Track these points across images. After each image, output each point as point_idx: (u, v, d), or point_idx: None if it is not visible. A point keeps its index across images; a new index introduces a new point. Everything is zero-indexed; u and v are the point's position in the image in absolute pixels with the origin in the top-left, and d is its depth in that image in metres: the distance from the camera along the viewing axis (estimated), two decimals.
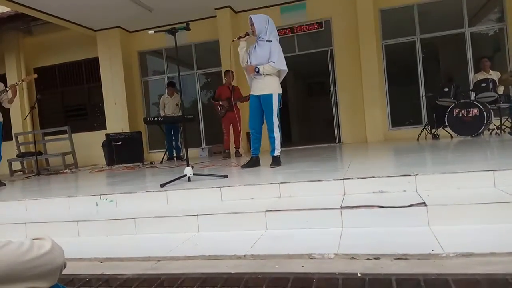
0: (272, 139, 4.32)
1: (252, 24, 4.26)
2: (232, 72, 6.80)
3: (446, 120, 6.47)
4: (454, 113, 6.39)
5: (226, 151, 7.27)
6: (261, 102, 4.32)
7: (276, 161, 4.33)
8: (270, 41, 4.21)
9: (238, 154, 7.20)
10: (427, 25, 7.85)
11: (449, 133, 6.78)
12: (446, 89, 6.67)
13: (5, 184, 5.42)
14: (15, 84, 5.47)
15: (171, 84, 8.16)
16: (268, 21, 4.29)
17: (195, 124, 9.04)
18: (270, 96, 4.24)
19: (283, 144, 4.35)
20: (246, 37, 4.34)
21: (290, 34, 8.46)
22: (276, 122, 4.26)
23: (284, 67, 4.25)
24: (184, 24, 3.80)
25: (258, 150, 4.52)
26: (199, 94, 9.44)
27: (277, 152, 4.34)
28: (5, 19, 9.32)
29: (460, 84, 7.06)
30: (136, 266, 2.10)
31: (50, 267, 0.90)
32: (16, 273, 0.84)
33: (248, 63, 4.33)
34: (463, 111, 6.34)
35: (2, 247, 0.83)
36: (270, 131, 4.31)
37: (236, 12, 8.68)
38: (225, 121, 7.17)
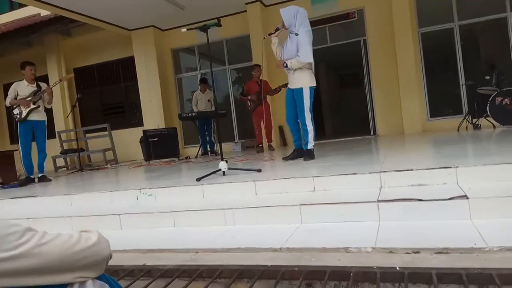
0: (305, 132, 4.34)
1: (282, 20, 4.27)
2: (259, 66, 6.81)
3: (488, 109, 6.20)
4: (497, 101, 6.11)
5: (260, 145, 7.26)
6: (294, 95, 4.35)
7: (309, 155, 4.33)
8: (298, 34, 4.20)
9: (271, 148, 7.18)
10: (465, 10, 7.49)
11: (491, 123, 6.48)
12: (488, 77, 6.37)
13: (50, 180, 5.71)
14: (53, 85, 5.71)
15: (203, 81, 8.27)
16: (298, 12, 4.23)
17: (228, 119, 9.12)
18: (300, 90, 4.27)
19: (316, 137, 4.40)
20: (277, 32, 4.36)
21: (322, 26, 8.33)
22: (308, 115, 4.27)
23: (308, 59, 4.19)
24: (216, 21, 3.84)
25: (298, 141, 4.56)
26: (231, 89, 9.51)
27: (310, 146, 4.33)
28: (45, 22, 9.74)
29: (502, 71, 6.72)
30: (176, 258, 2.17)
31: (97, 258, 0.95)
32: (66, 264, 0.89)
33: (282, 58, 4.35)
34: (506, 100, 6.04)
35: (53, 239, 0.88)
36: (303, 124, 4.33)
37: (266, 6, 8.65)
38: (255, 116, 7.14)
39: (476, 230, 1.97)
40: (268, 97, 7.12)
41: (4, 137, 11.58)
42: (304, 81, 4.26)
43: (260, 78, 6.95)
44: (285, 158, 4.56)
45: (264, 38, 4.46)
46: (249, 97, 7.08)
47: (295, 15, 4.21)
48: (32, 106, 5.48)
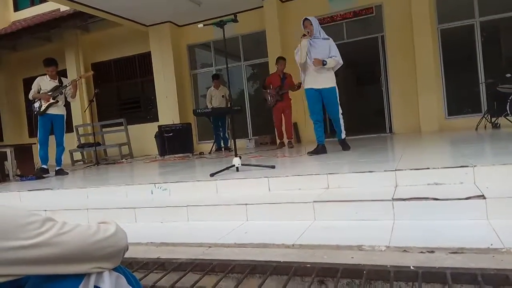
0: (339, 126, 4.80)
1: (311, 25, 4.60)
2: (283, 58, 6.75)
3: (508, 108, 6.06)
4: None
5: (280, 141, 7.10)
6: (323, 94, 4.67)
7: (346, 144, 4.83)
8: (328, 38, 4.69)
9: (290, 145, 6.87)
10: (487, 6, 7.31)
11: (511, 122, 6.33)
12: (509, 75, 6.22)
13: (67, 173, 5.83)
14: (76, 79, 5.83)
15: (216, 77, 8.29)
16: (318, 23, 4.75)
17: (242, 115, 9.13)
18: (333, 88, 4.69)
19: (330, 135, 4.74)
20: (308, 35, 4.60)
21: (339, 21, 8.25)
22: (340, 110, 4.76)
23: (342, 61, 4.70)
24: (232, 16, 3.84)
25: (322, 138, 4.83)
26: (246, 85, 9.51)
27: (344, 135, 4.85)
28: (64, 18, 9.92)
29: None
30: (189, 251, 2.19)
31: (114, 249, 0.96)
32: (84, 254, 0.90)
33: (308, 60, 4.60)
34: None
35: (72, 230, 0.90)
36: (337, 119, 4.77)
37: (283, 2, 8.61)
38: (275, 111, 6.92)
39: (493, 230, 1.93)
40: (290, 93, 6.86)
41: (23, 130, 11.85)
42: (334, 80, 4.70)
43: (284, 71, 6.81)
44: (310, 153, 4.76)
45: (303, 36, 4.58)
46: (268, 91, 6.88)
47: (319, 25, 4.72)
48: (52, 101, 5.59)
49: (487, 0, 7.34)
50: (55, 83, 5.71)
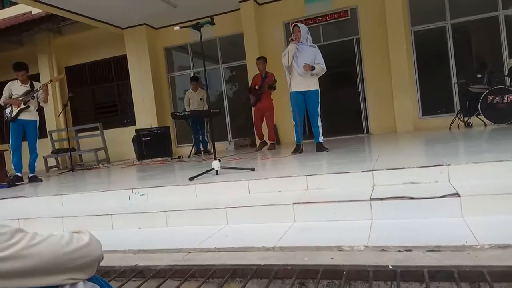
0: (317, 128, 4.93)
1: (299, 31, 4.82)
2: (263, 58, 6.76)
3: (479, 107, 6.24)
4: (488, 100, 6.15)
5: (261, 142, 7.00)
6: (307, 96, 4.91)
7: (323, 147, 4.90)
8: (315, 46, 4.98)
9: (270, 147, 6.71)
10: (458, 9, 7.54)
11: (483, 121, 6.53)
12: (479, 75, 6.42)
13: (41, 180, 5.66)
14: (46, 83, 5.67)
15: (194, 79, 8.20)
16: (307, 31, 4.99)
17: (221, 118, 9.09)
18: (317, 91, 4.96)
19: (308, 136, 4.87)
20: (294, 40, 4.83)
21: (315, 24, 8.34)
22: (319, 114, 4.95)
23: (326, 68, 4.98)
24: (209, 19, 3.83)
25: (301, 138, 5.13)
26: (225, 87, 9.48)
27: (321, 139, 4.96)
28: (37, 21, 9.63)
29: (494, 69, 6.77)
30: (168, 258, 2.16)
31: (88, 259, 0.93)
32: (57, 265, 0.87)
33: (294, 64, 4.83)
34: (497, 98, 6.09)
35: (44, 240, 0.86)
36: (316, 122, 4.93)
37: (260, 4, 8.64)
38: (255, 112, 6.92)
39: (467, 227, 1.98)
40: (272, 94, 6.75)
41: None
42: (317, 84, 4.99)
43: (265, 71, 6.74)
44: (293, 152, 5.00)
45: (292, 40, 4.81)
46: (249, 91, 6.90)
47: (307, 32, 4.96)
48: (23, 106, 5.43)
49: (458, 3, 7.57)
50: (26, 87, 5.55)
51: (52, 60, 10.38)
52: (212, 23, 3.83)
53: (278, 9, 8.48)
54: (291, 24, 4.93)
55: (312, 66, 4.80)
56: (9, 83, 5.60)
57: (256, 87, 6.83)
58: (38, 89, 5.56)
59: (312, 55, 4.88)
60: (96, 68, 10.33)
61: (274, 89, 6.58)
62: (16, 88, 5.53)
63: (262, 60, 6.81)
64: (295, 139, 5.12)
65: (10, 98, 5.49)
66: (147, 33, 9.29)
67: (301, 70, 4.81)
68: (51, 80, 6.11)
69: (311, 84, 4.92)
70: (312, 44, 5.00)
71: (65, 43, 10.45)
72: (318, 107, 4.96)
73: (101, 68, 10.28)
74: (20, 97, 5.46)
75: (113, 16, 8.55)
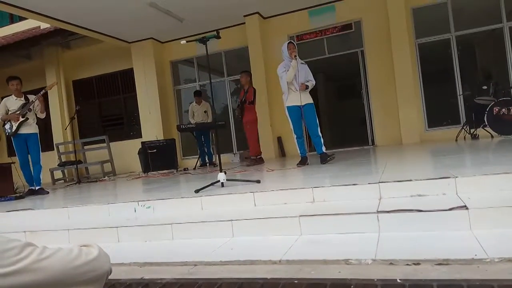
0: (318, 139, 5.07)
1: (295, 48, 5.07)
2: (245, 73, 6.79)
3: (485, 119, 6.21)
4: (494, 111, 6.13)
5: (253, 157, 6.75)
6: (305, 110, 5.09)
7: (327, 156, 5.03)
8: (305, 64, 5.26)
9: (250, 163, 6.57)
10: (462, 21, 7.57)
11: (489, 133, 6.49)
12: (485, 87, 6.40)
13: (48, 192, 5.68)
14: (41, 94, 5.70)
15: (197, 94, 8.31)
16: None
17: (226, 130, 9.12)
18: (312, 104, 5.18)
19: (312, 149, 5.23)
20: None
21: (320, 37, 8.40)
22: (318, 124, 5.16)
23: (314, 82, 5.31)
24: (215, 33, 3.88)
25: (306, 150, 5.34)
26: (230, 100, 9.54)
27: (324, 149, 5.08)
28: (45, 35, 9.79)
29: (499, 81, 6.76)
30: (174, 271, 2.15)
31: (97, 273, 0.93)
32: (66, 279, 0.87)
33: (294, 81, 5.04)
34: (503, 109, 6.07)
35: (53, 254, 0.86)
36: (316, 133, 5.08)
37: (264, 18, 8.73)
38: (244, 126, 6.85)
39: (476, 240, 1.95)
40: (257, 107, 6.77)
41: (2, 149, 11.55)
42: (311, 98, 5.20)
43: (248, 86, 6.69)
44: (299, 164, 5.10)
45: (295, 57, 5.00)
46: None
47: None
48: (21, 119, 5.49)
49: (462, 15, 7.60)
50: (21, 101, 5.61)
51: (60, 74, 10.50)
52: (218, 37, 3.87)
53: (283, 23, 8.56)
54: (287, 43, 5.15)
55: (307, 85, 5.11)
56: (4, 99, 5.66)
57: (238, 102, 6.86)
58: (34, 100, 5.60)
59: (305, 72, 5.19)
60: (103, 82, 10.44)
61: (254, 104, 6.64)
62: (12, 103, 5.59)
63: (243, 74, 6.81)
64: (300, 151, 5.24)
65: (7, 114, 5.54)
66: (153, 46, 9.40)
67: (298, 86, 5.06)
68: (44, 90, 6.03)
69: (307, 98, 5.14)
70: (302, 61, 5.28)
71: (73, 57, 10.60)
72: (316, 119, 5.15)
73: (108, 81, 10.39)
74: (17, 111, 5.52)
75: (120, 31, 8.67)
